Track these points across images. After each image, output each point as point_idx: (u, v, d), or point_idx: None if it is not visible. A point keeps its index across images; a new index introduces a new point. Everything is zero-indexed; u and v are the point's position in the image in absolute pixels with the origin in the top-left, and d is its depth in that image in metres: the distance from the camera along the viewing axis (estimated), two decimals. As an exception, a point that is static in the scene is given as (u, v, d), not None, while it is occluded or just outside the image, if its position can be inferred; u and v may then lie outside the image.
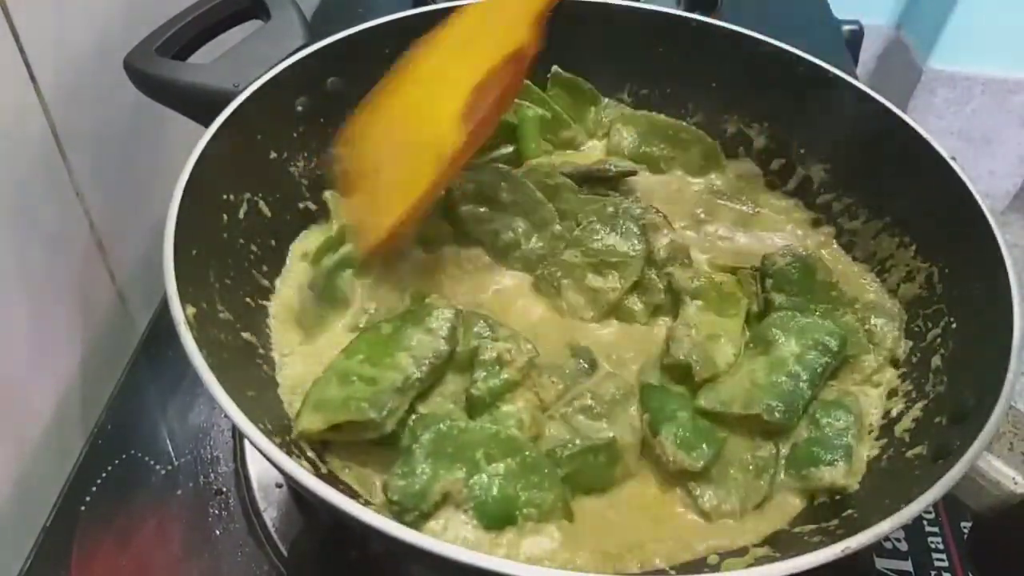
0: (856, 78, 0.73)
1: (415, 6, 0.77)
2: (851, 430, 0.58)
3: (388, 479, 0.53)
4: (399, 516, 0.51)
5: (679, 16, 0.79)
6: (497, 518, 0.52)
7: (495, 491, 0.53)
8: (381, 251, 0.67)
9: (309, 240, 0.72)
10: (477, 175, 0.71)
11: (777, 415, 0.57)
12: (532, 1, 0.64)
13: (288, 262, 0.70)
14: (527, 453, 0.55)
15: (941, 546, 0.65)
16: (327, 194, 0.73)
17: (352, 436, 0.55)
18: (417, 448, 0.54)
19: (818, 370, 0.60)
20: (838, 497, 0.56)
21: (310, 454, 0.55)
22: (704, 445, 0.56)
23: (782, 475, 0.58)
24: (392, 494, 0.52)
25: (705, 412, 0.59)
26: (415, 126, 0.66)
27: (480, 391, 0.58)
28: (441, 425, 0.55)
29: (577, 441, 0.57)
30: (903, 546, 0.65)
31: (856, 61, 1.24)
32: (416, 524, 0.51)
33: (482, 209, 0.71)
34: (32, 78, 0.63)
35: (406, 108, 0.67)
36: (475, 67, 0.64)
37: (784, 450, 0.58)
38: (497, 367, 0.59)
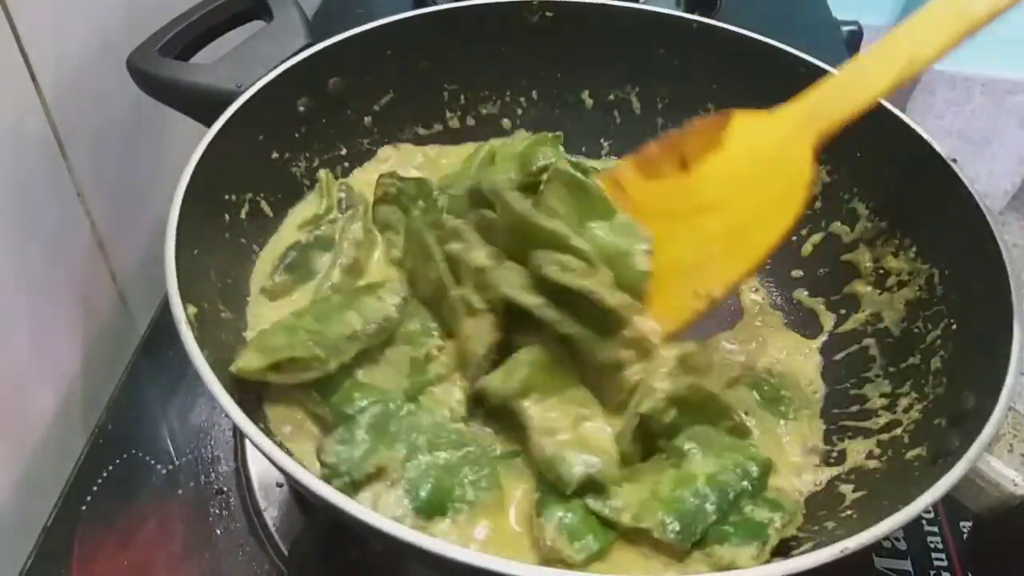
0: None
1: (416, 7, 0.77)
2: (775, 523, 0.52)
3: (325, 441, 0.53)
4: (328, 479, 0.50)
5: (679, 17, 0.79)
6: (428, 505, 0.52)
7: (431, 480, 0.52)
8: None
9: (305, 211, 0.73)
10: (402, 182, 0.72)
11: (670, 535, 0.51)
12: (815, 125, 0.61)
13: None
14: (470, 448, 0.55)
15: (940, 545, 0.65)
16: (321, 172, 0.73)
17: (292, 377, 0.56)
18: (360, 418, 0.54)
19: (730, 496, 0.53)
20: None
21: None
22: (591, 537, 0.51)
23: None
24: (326, 456, 0.52)
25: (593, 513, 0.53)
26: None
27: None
28: (390, 403, 0.55)
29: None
30: (902, 545, 0.65)
31: (855, 62, 1.24)
32: (346, 491, 0.50)
33: (395, 216, 0.71)
34: (33, 77, 0.63)
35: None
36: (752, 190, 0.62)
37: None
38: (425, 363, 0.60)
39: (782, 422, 0.64)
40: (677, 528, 0.51)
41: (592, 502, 0.53)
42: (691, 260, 0.62)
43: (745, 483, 0.54)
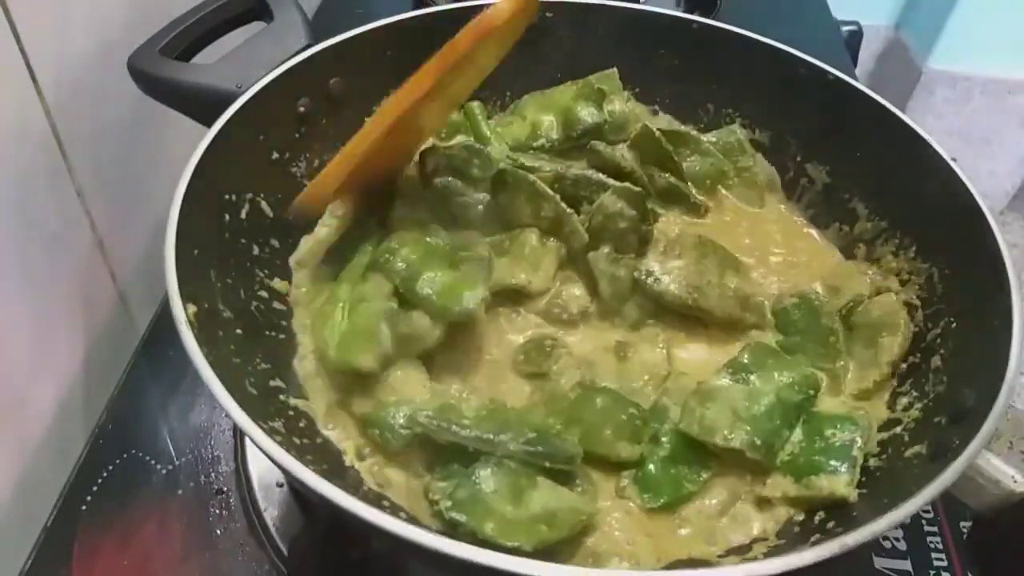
0: (855, 78, 0.73)
1: (415, 7, 0.77)
2: (857, 443, 0.56)
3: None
4: None
5: (679, 18, 0.79)
6: None
7: None
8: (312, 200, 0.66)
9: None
10: (449, 151, 0.72)
11: (757, 453, 0.56)
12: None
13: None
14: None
15: (940, 545, 0.65)
16: None
17: None
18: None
19: (795, 412, 0.59)
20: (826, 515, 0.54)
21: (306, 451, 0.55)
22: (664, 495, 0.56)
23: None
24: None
25: (685, 437, 0.58)
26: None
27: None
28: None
29: None
30: (902, 545, 0.65)
31: (855, 62, 1.24)
32: None
33: (452, 180, 0.71)
34: (33, 78, 0.63)
35: None
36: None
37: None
38: None
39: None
40: (760, 446, 0.56)
41: (683, 424, 0.57)
42: None
43: (803, 399, 0.59)
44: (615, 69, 0.81)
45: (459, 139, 0.79)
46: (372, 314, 0.59)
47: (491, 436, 0.53)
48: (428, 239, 0.64)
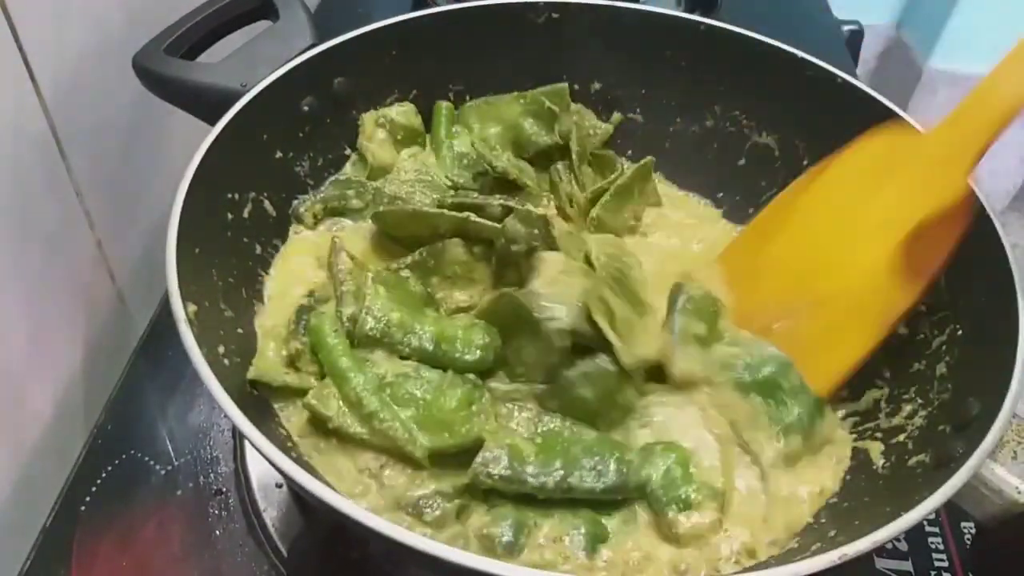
0: (857, 78, 0.73)
1: (416, 7, 0.77)
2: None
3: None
4: None
5: (685, 19, 0.79)
6: None
7: None
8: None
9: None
10: (322, 195, 0.72)
11: None
12: (970, 144, 0.56)
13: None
14: None
15: (941, 546, 0.65)
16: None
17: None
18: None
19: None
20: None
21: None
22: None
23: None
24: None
25: None
26: (829, 271, 0.60)
27: None
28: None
29: None
30: (903, 546, 0.65)
31: (856, 61, 1.24)
32: None
33: (336, 220, 0.72)
34: (32, 77, 0.63)
35: (811, 246, 0.61)
36: (900, 211, 0.56)
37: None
38: None
39: None
40: None
41: None
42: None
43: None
44: (565, 84, 0.79)
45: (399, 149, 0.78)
46: (436, 391, 0.57)
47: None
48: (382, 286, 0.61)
